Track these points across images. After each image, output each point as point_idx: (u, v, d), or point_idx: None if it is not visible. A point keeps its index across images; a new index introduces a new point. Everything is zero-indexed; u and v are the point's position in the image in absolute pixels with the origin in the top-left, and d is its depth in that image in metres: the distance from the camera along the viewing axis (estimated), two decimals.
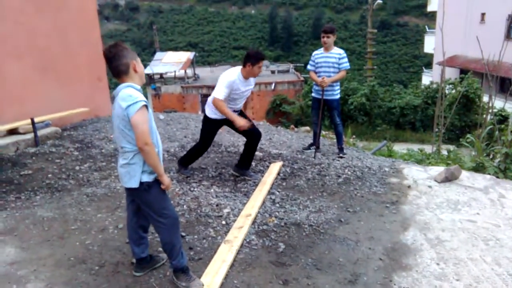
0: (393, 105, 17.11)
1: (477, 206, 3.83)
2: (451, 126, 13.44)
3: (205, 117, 4.30)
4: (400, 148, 9.09)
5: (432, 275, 2.78)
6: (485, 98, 14.30)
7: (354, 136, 11.39)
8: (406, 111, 16.73)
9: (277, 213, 3.68)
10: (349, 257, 3.01)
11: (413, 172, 4.71)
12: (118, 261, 2.87)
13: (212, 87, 26.68)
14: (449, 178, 4.34)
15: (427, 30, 27.39)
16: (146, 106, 2.32)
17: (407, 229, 3.42)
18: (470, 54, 19.17)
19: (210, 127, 4.31)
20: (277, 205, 3.86)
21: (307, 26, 66.46)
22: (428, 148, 8.43)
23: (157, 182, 2.45)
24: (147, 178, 2.41)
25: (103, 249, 3.01)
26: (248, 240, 3.19)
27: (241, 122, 4.01)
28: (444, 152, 7.57)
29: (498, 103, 12.98)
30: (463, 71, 19.78)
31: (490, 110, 8.70)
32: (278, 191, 4.18)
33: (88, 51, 6.93)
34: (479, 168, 5.33)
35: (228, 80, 4.01)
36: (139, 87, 2.40)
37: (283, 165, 4.90)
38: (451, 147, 8.08)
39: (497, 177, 4.83)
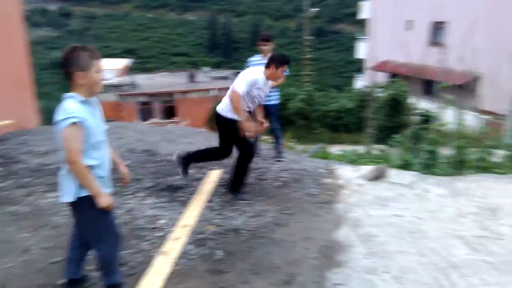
0: (329, 108, 17.83)
1: (403, 201, 4.08)
2: (382, 127, 14.24)
3: (232, 122, 3.91)
4: (336, 149, 9.48)
5: (363, 269, 2.91)
6: (413, 100, 15.39)
7: (293, 140, 11.68)
8: (341, 114, 17.52)
9: (215, 221, 3.65)
10: (285, 259, 3.06)
11: (346, 172, 4.92)
12: (43, 283, 2.67)
13: (150, 95, 26.17)
14: (378, 176, 4.59)
15: (359, 37, 28.92)
16: (78, 122, 2.20)
17: (340, 227, 3.55)
18: (399, 59, 20.54)
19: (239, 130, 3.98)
20: (216, 212, 3.84)
21: (247, 32, 67.31)
22: (362, 149, 8.86)
23: None
24: (85, 191, 2.28)
25: (26, 271, 2.79)
26: (185, 250, 3.13)
27: (250, 127, 3.81)
28: (376, 152, 8.02)
29: (425, 104, 14.02)
30: (393, 75, 21.14)
31: (417, 111, 9.37)
32: (217, 198, 4.15)
33: (12, 59, 6.46)
34: (406, 166, 5.68)
35: (253, 77, 3.87)
36: (82, 98, 2.27)
37: (223, 172, 4.88)
38: (382, 147, 8.56)
39: (422, 173, 5.18)
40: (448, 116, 6.49)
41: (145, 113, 25.21)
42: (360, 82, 26.67)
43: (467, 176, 4.86)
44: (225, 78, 30.49)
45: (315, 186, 4.52)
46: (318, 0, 57.77)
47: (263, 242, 3.31)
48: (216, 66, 49.56)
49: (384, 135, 14.15)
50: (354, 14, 35.32)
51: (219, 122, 4.10)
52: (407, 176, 4.75)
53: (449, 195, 4.22)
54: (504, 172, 5.10)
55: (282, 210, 3.92)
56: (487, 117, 12.73)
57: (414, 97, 15.03)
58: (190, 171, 4.72)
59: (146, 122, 20.30)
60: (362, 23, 29.23)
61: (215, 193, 4.27)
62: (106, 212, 2.36)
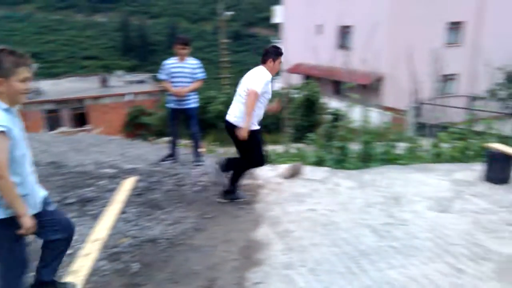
0: None
1: (317, 196, 4.27)
2: (299, 126, 14.83)
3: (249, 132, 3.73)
4: None
5: (281, 265, 2.98)
6: (325, 100, 16.28)
7: (215, 143, 11.65)
8: None
9: (131, 232, 3.48)
10: (205, 264, 3.02)
11: (264, 172, 5.02)
12: None
13: (57, 102, 24.26)
14: (294, 174, 4.77)
15: (274, 40, 29.86)
16: (5, 132, 1.96)
17: (260, 226, 3.61)
18: (311, 61, 21.58)
19: (257, 138, 3.87)
20: (131, 223, 3.66)
21: (163, 35, 65.75)
22: (281, 148, 9.14)
23: (14, 219, 2.08)
24: (1, 212, 2.05)
25: None
26: (97, 267, 2.93)
27: (244, 133, 3.62)
28: (294, 150, 8.31)
29: (335, 104, 14.90)
30: (307, 77, 22.18)
31: (328, 110, 9.93)
32: (133, 209, 3.96)
33: None
34: (320, 162, 5.98)
35: (267, 78, 3.60)
36: (5, 106, 2.03)
37: (139, 180, 4.68)
38: (300, 145, 8.90)
39: (334, 168, 5.49)
40: (355, 114, 6.97)
41: (53, 121, 23.27)
42: (277, 84, 27.51)
43: (373, 168, 5.25)
44: (141, 82, 29.40)
45: None
46: (233, 3, 58.51)
47: (182, 249, 3.24)
48: (131, 69, 47.61)
49: (301, 134, 14.78)
50: (268, 18, 36.39)
51: (231, 132, 3.85)
52: (320, 172, 5.00)
53: (357, 187, 4.52)
54: (405, 163, 5.61)
55: (202, 214, 3.87)
56: (390, 113, 13.98)
57: (325, 97, 15.92)
58: (102, 182, 4.47)
59: (54, 131, 18.76)
60: (276, 27, 30.24)
61: (130, 203, 4.07)
62: (20, 237, 2.14)
